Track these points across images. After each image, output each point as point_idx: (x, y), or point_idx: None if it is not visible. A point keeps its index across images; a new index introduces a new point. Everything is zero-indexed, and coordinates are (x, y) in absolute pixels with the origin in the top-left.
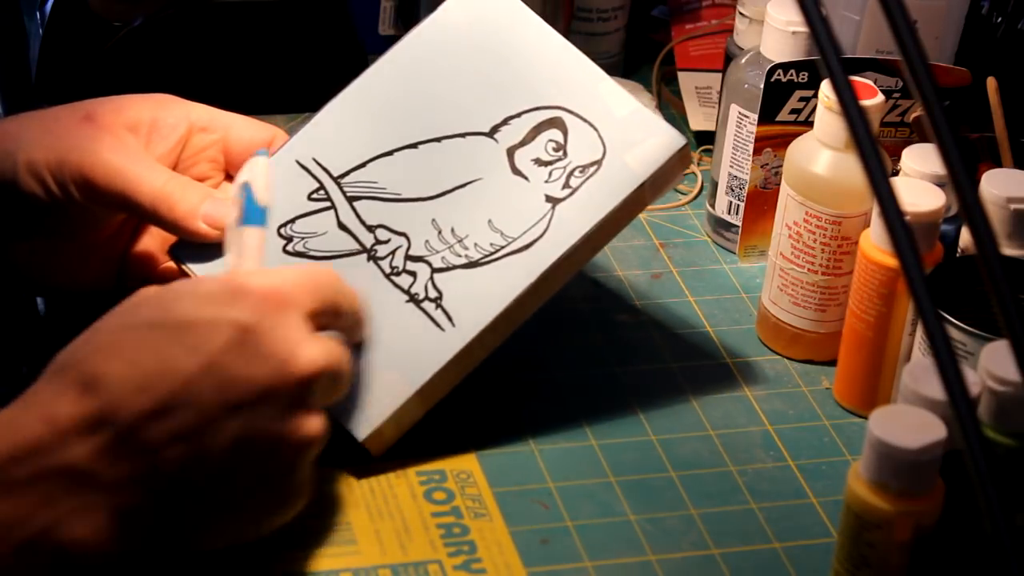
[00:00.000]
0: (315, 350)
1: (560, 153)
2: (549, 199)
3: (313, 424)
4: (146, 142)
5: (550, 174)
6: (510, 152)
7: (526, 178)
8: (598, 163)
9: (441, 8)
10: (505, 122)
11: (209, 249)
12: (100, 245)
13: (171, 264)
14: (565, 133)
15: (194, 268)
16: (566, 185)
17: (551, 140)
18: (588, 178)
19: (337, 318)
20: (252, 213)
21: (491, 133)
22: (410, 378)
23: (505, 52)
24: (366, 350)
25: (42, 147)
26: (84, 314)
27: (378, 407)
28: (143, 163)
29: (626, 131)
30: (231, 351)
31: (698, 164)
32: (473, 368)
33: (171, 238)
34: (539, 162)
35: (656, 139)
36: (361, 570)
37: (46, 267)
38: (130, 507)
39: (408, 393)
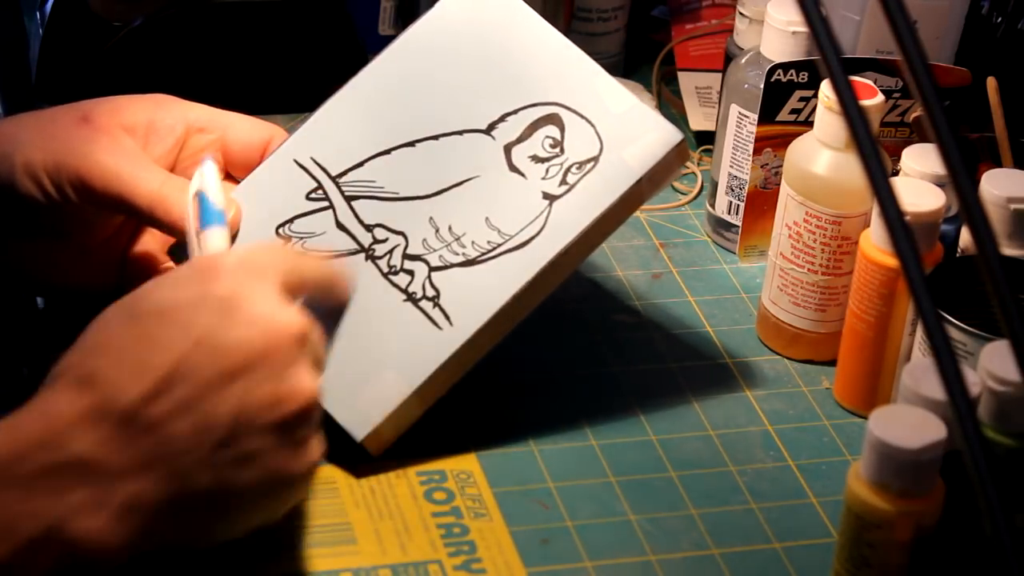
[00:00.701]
0: (295, 313)
1: (557, 150)
2: (546, 196)
3: (310, 382)
4: (143, 143)
5: (547, 171)
6: (507, 149)
7: (523, 175)
8: (595, 159)
9: (438, 5)
10: (502, 119)
11: None
12: (99, 246)
13: (171, 265)
14: (562, 129)
15: None
16: (563, 182)
17: (548, 137)
18: (585, 174)
19: (304, 288)
20: (209, 215)
21: (488, 130)
22: (408, 377)
23: (502, 49)
24: (364, 349)
25: (39, 149)
26: (84, 315)
27: (376, 407)
28: (139, 165)
29: (623, 127)
30: (218, 322)
31: (698, 164)
32: (472, 366)
33: (172, 239)
34: (536, 159)
35: (653, 135)
36: (361, 570)
37: (45, 268)
38: (141, 495)
39: (406, 392)
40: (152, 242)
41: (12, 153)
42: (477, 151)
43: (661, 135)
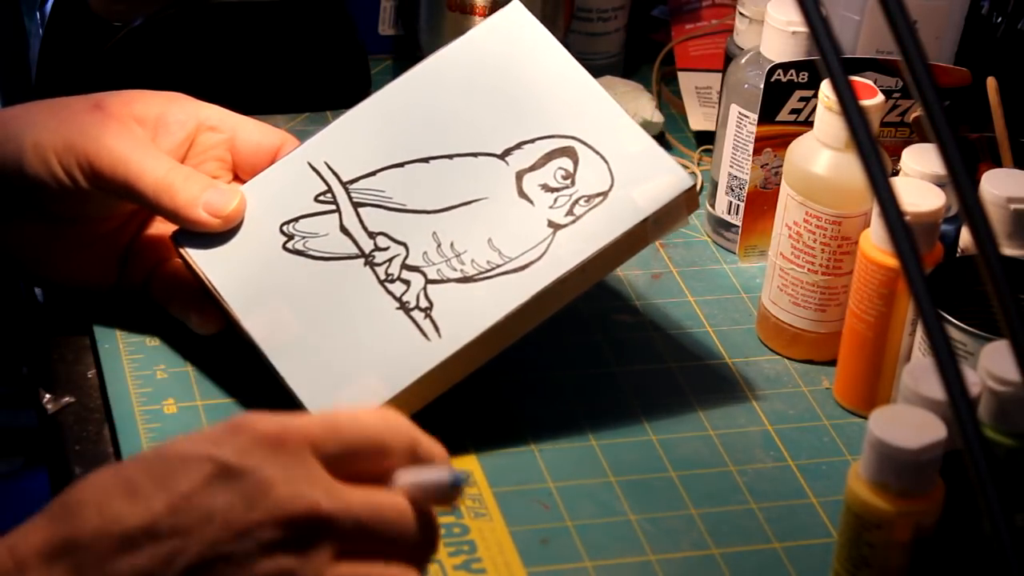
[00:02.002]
0: (299, 491)
1: (568, 181)
2: (551, 224)
3: (292, 568)
4: (153, 136)
5: (555, 200)
6: (519, 175)
7: (531, 202)
8: (604, 194)
9: (472, 30)
10: (518, 146)
11: (211, 237)
12: (101, 239)
13: (178, 261)
14: (576, 163)
15: (192, 254)
16: (569, 213)
17: (561, 168)
18: (592, 208)
19: (377, 461)
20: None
21: (503, 155)
22: (389, 383)
23: (527, 79)
24: (350, 350)
25: (50, 131)
26: (84, 316)
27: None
28: (148, 152)
29: (636, 167)
30: (198, 487)
31: (698, 164)
32: (454, 384)
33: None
34: (546, 188)
35: (664, 177)
36: None
37: (46, 257)
38: None
39: (384, 397)
40: (159, 234)
41: (23, 134)
42: (489, 174)
43: (672, 178)
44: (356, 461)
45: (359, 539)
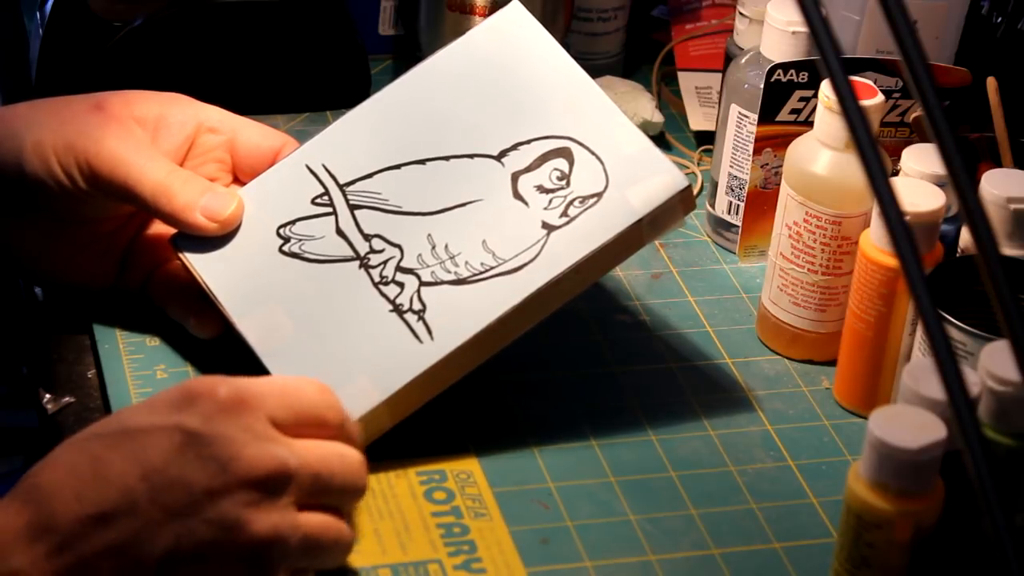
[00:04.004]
0: (267, 450)
1: (563, 182)
2: (545, 226)
3: (265, 526)
4: (153, 137)
5: (550, 202)
6: (514, 177)
7: (526, 203)
8: (599, 195)
9: (472, 30)
10: (515, 147)
11: (209, 240)
12: (103, 238)
13: (178, 262)
14: (571, 163)
15: (190, 257)
16: (564, 214)
17: (556, 169)
18: (587, 209)
19: (314, 429)
20: None
21: (499, 157)
22: (382, 386)
23: (525, 79)
24: (343, 352)
25: (50, 130)
26: (84, 316)
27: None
28: (147, 154)
29: (631, 167)
30: (170, 457)
31: (698, 164)
32: (447, 386)
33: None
34: (541, 189)
35: (660, 178)
36: (361, 569)
37: (44, 256)
38: None
39: (377, 400)
40: (159, 236)
41: (24, 133)
42: (484, 176)
43: (667, 179)
44: (298, 428)
45: (314, 489)
